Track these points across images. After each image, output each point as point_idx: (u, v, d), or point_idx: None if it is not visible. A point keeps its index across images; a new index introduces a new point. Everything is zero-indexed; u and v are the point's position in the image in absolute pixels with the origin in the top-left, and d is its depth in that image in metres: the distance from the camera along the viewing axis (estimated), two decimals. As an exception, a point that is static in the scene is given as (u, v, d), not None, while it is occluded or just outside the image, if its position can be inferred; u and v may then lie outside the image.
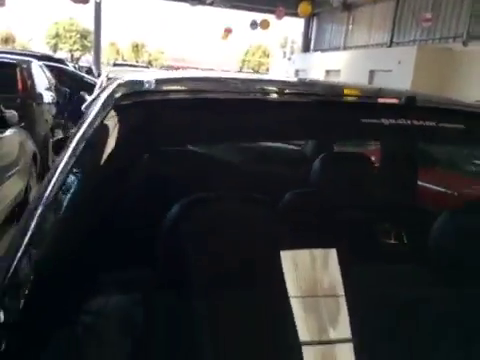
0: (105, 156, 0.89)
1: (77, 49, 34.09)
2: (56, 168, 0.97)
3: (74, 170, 0.91)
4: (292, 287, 0.81)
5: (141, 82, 1.16)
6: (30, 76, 6.06)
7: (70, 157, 0.95)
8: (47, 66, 8.21)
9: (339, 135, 1.14)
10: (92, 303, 0.81)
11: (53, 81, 7.92)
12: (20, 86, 5.71)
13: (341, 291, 0.82)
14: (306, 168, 1.35)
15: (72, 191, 0.88)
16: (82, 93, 6.93)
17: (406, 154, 1.55)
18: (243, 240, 0.85)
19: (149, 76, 1.34)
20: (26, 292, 0.73)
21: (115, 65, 15.33)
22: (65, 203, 0.86)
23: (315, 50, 21.65)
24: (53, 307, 0.72)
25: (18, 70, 5.81)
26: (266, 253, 0.85)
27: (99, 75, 12.04)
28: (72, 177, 0.90)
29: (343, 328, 0.79)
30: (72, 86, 9.52)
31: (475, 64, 12.03)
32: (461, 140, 1.16)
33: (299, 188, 1.27)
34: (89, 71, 16.36)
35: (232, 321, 0.79)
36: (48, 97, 6.80)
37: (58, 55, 21.08)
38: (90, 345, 0.80)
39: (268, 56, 40.61)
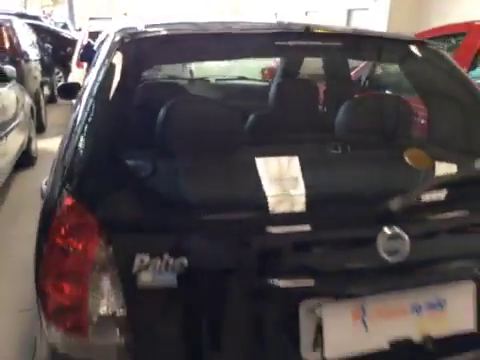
0: (120, 75, 1.30)
1: (48, 5, 32.80)
2: (81, 95, 1.38)
3: (100, 91, 1.32)
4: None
5: (134, 28, 1.58)
6: (14, 34, 6.23)
7: (94, 82, 1.36)
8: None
9: (266, 54, 1.82)
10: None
11: (34, 38, 8.00)
12: (7, 44, 5.90)
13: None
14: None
15: (106, 99, 1.28)
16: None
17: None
18: (211, 124, 1.31)
19: (134, 24, 1.74)
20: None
21: (91, 19, 15.07)
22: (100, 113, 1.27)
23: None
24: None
25: (3, 29, 5.97)
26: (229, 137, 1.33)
27: (80, 29, 11.90)
28: (101, 94, 1.30)
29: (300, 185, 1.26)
30: (52, 42, 9.57)
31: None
32: (341, 53, 1.83)
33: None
34: (64, 26, 16.10)
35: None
36: (34, 54, 6.96)
37: (29, 11, 20.45)
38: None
39: None
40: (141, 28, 1.54)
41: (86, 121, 1.24)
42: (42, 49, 7.98)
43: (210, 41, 1.50)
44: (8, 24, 6.25)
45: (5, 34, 5.92)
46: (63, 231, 1.08)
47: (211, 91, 2.88)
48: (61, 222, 1.09)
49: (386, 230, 1.10)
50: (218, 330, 1.10)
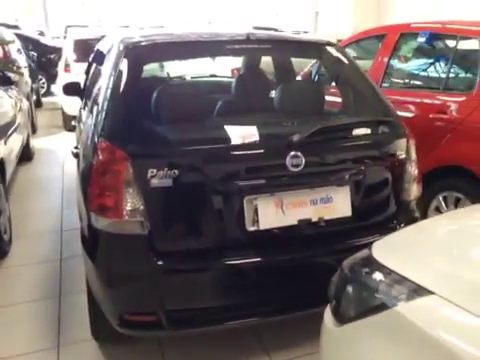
0: (129, 70, 2.08)
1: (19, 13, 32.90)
2: (93, 92, 2.22)
3: (117, 80, 2.08)
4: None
5: (133, 37, 2.35)
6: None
7: (110, 76, 2.13)
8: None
9: (224, 55, 2.70)
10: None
11: (20, 46, 8.63)
12: (1, 53, 6.55)
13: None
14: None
15: (118, 91, 2.06)
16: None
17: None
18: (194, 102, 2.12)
19: (133, 35, 2.51)
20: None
21: (68, 27, 15.64)
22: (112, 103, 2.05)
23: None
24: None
25: (-4, 39, 6.62)
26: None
27: (65, 37, 12.37)
28: (118, 82, 2.07)
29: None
30: (34, 50, 10.18)
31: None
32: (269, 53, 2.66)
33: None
34: (41, 34, 16.64)
35: None
36: (22, 61, 7.61)
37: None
38: None
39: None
40: (138, 38, 2.32)
41: (110, 99, 2.01)
42: (28, 56, 8.61)
43: (189, 46, 2.34)
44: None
45: (-2, 44, 6.56)
46: (103, 160, 1.86)
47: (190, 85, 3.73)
48: (101, 155, 1.87)
49: (291, 153, 1.92)
50: (197, 213, 1.90)
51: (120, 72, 2.09)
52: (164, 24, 12.72)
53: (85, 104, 3.14)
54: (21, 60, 7.51)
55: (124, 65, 2.11)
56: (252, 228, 1.92)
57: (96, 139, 1.96)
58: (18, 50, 8.01)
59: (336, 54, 2.52)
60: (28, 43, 10.57)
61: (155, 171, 1.80)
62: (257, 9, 21.06)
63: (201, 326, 1.99)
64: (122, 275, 1.90)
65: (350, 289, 1.30)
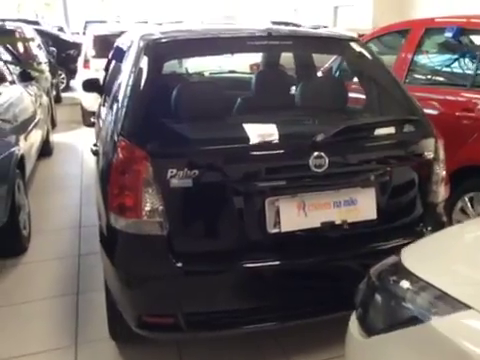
0: (147, 74, 2.03)
1: (40, 9, 33.34)
2: (112, 90, 2.19)
3: (138, 77, 2.04)
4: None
5: (153, 34, 2.31)
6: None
7: (130, 73, 2.09)
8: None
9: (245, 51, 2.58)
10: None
11: (40, 42, 8.70)
12: (22, 49, 6.61)
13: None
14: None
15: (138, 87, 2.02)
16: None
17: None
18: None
19: (153, 31, 2.46)
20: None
21: (87, 22, 15.78)
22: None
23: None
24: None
25: (17, 34, 6.68)
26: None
27: (84, 33, 12.47)
28: (139, 79, 2.03)
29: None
30: (53, 46, 10.26)
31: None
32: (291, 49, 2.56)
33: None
34: (61, 29, 16.81)
35: None
36: (43, 57, 7.67)
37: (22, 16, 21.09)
38: None
39: None
40: (158, 35, 2.28)
41: (130, 97, 1.97)
42: (48, 52, 8.67)
43: (209, 42, 2.28)
44: (20, 30, 6.97)
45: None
46: (122, 160, 1.82)
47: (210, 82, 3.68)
48: (121, 154, 1.83)
49: (315, 153, 1.86)
50: (216, 214, 1.85)
51: (140, 70, 2.05)
52: (183, 20, 12.73)
53: (104, 101, 3.12)
54: (41, 56, 7.56)
55: (144, 63, 2.07)
56: (273, 230, 1.87)
57: (116, 137, 1.92)
58: (38, 46, 8.07)
59: (360, 50, 2.44)
60: (48, 39, 10.69)
61: (175, 171, 1.76)
62: (275, 5, 20.94)
63: (220, 329, 1.94)
64: (140, 276, 1.86)
65: (378, 298, 1.24)
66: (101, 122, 2.80)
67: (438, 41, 3.76)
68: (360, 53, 2.42)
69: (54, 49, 9.13)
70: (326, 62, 4.46)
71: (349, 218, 1.94)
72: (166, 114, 2.01)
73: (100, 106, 3.36)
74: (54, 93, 9.09)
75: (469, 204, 3.11)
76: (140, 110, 1.93)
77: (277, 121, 2.04)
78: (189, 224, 1.86)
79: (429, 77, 3.75)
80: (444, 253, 1.30)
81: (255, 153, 1.88)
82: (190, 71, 4.20)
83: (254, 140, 1.89)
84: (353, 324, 1.34)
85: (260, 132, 1.94)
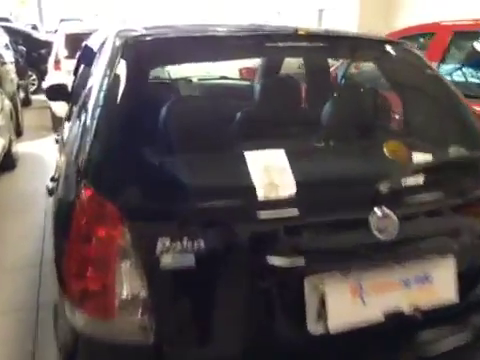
0: (126, 87, 1.38)
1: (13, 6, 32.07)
2: (78, 103, 1.48)
3: (110, 90, 1.39)
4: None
5: (134, 30, 1.66)
6: (-11, 37, 6.17)
7: (101, 83, 1.44)
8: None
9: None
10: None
11: (7, 40, 7.90)
12: (-17, 47, 5.83)
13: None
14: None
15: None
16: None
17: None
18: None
19: (133, 27, 1.82)
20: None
21: (62, 20, 14.93)
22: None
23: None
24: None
25: (-22, 32, 5.90)
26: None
27: (56, 31, 11.70)
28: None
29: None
30: (24, 44, 9.44)
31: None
32: (323, 52, 1.92)
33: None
34: (34, 28, 15.87)
35: None
36: (9, 57, 6.89)
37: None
38: None
39: None
40: (141, 31, 1.63)
41: (100, 119, 1.31)
42: (16, 51, 7.88)
43: (215, 42, 1.64)
44: (-18, 27, 6.19)
45: (-20, 37, 5.85)
46: (85, 220, 1.16)
47: (198, 90, 2.99)
48: (83, 212, 1.17)
49: (377, 210, 1.23)
50: (234, 309, 1.21)
51: (115, 80, 1.40)
52: (165, 20, 11.99)
53: (70, 113, 2.43)
54: (7, 55, 6.78)
55: (121, 69, 1.42)
56: (317, 329, 1.23)
57: (77, 180, 1.27)
58: (5, 45, 7.28)
59: (405, 56, 1.84)
60: (18, 37, 9.86)
61: (168, 241, 1.11)
62: (258, 8, 20.33)
63: None
64: None
65: None
66: (64, 145, 2.11)
67: (471, 47, 3.22)
68: (408, 59, 1.82)
69: (23, 48, 8.32)
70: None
71: (422, 303, 1.32)
72: (153, 147, 1.34)
73: (64, 120, 2.66)
74: (22, 95, 8.30)
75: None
76: (114, 141, 1.27)
77: (316, 159, 1.42)
78: (190, 324, 1.20)
79: (463, 87, 3.21)
80: None
81: (289, 211, 1.23)
82: (173, 77, 3.50)
83: (285, 190, 1.25)
84: None
85: (294, 176, 1.30)
